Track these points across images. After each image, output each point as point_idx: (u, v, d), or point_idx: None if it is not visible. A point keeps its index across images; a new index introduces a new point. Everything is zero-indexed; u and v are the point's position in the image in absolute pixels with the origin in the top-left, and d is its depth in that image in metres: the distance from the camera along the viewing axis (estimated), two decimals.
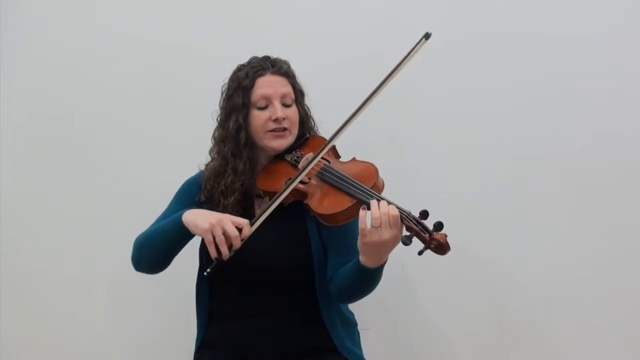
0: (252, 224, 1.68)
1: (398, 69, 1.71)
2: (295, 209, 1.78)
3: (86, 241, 2.43)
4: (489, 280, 2.32)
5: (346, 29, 2.35)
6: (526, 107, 2.31)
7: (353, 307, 1.96)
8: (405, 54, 1.70)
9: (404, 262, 2.24)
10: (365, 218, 1.60)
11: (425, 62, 2.23)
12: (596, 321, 2.29)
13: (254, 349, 1.80)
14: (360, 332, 1.98)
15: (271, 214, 1.70)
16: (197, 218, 1.71)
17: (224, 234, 1.65)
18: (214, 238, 1.65)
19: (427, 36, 1.70)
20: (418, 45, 1.70)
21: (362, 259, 1.66)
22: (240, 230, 1.66)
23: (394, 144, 2.32)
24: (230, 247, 1.66)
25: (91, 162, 2.44)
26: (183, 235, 1.76)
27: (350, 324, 1.93)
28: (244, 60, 1.93)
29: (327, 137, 1.84)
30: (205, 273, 1.67)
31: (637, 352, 2.28)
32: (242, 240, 1.66)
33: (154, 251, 1.81)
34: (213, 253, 1.66)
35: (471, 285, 2.32)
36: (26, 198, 2.46)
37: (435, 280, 2.33)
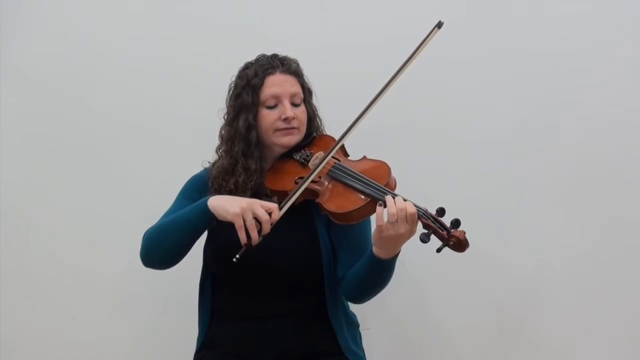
0: (280, 208, 1.67)
1: (413, 57, 1.71)
2: (304, 209, 1.78)
3: (86, 241, 2.43)
4: (489, 279, 2.34)
5: (351, 25, 2.36)
6: (525, 101, 2.32)
7: (354, 306, 1.96)
8: (419, 42, 1.72)
9: (404, 261, 2.24)
10: (382, 215, 1.61)
11: (424, 60, 2.27)
12: (596, 317, 2.31)
13: (256, 351, 1.80)
14: (361, 332, 1.98)
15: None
16: (226, 202, 1.68)
17: (254, 218, 1.64)
18: (244, 222, 1.64)
19: (439, 25, 1.71)
20: (431, 35, 1.71)
21: (376, 250, 1.66)
22: (270, 214, 1.65)
23: (396, 143, 2.33)
24: (259, 231, 1.64)
25: (91, 162, 2.43)
26: (207, 222, 1.72)
27: (353, 325, 1.93)
28: (248, 57, 1.92)
29: (334, 136, 1.86)
30: (234, 259, 1.62)
31: (637, 348, 2.30)
32: (271, 224, 1.65)
33: (172, 241, 1.75)
34: (243, 238, 1.64)
35: (471, 284, 2.34)
36: (26, 197, 2.45)
37: (435, 280, 2.34)
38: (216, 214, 1.69)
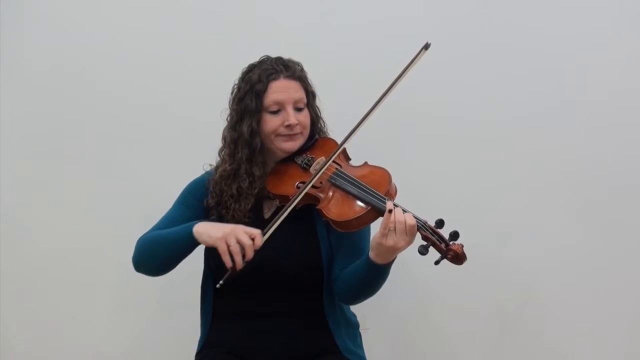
0: (264, 234, 1.69)
1: (399, 80, 1.74)
2: (306, 211, 1.78)
3: (87, 241, 2.42)
4: (490, 280, 2.34)
5: (353, 28, 2.35)
6: (526, 101, 2.32)
7: (353, 306, 1.97)
8: (406, 64, 1.73)
9: (404, 262, 2.24)
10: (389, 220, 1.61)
11: (426, 62, 2.26)
12: (596, 320, 2.32)
13: (256, 350, 1.81)
14: (361, 332, 1.99)
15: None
16: (210, 228, 1.71)
17: (238, 243, 1.66)
18: (228, 247, 1.66)
19: (426, 46, 1.73)
20: (418, 56, 1.73)
21: (373, 255, 1.67)
22: (253, 239, 1.66)
23: (397, 146, 2.33)
24: (243, 256, 1.66)
25: (93, 162, 2.42)
26: (192, 246, 1.75)
27: (352, 325, 1.94)
28: (251, 55, 1.90)
29: (336, 138, 1.85)
30: (217, 285, 1.66)
31: (638, 349, 2.31)
32: (254, 250, 1.67)
33: (159, 257, 1.79)
34: (228, 262, 1.66)
35: (471, 285, 2.34)
36: (27, 198, 2.44)
37: (435, 280, 2.34)
38: (200, 240, 1.72)
